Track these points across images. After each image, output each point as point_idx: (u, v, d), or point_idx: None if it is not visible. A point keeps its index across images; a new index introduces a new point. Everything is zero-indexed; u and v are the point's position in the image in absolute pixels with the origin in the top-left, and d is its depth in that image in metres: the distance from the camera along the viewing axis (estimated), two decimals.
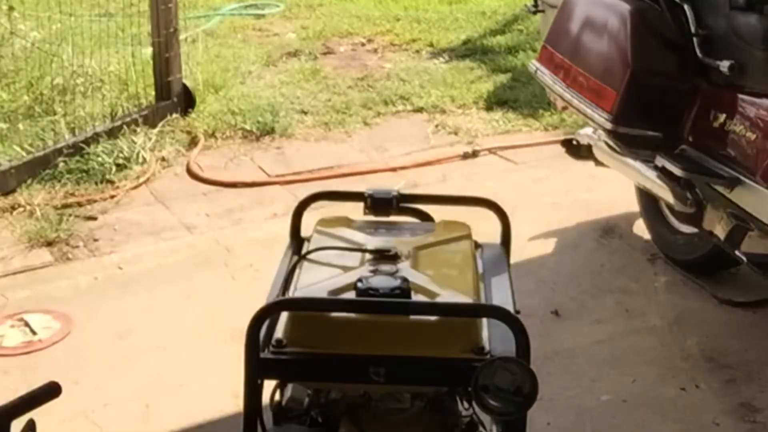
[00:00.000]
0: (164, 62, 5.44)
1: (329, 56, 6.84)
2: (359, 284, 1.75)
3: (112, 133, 5.12)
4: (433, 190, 4.76)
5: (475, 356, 1.71)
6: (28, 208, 4.50)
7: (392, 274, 1.81)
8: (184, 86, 5.58)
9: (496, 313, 1.73)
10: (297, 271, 1.92)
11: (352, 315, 1.74)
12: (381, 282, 1.76)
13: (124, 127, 5.17)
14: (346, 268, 1.87)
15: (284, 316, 1.77)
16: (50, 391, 1.60)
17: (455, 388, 1.77)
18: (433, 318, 1.74)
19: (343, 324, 1.74)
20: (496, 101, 5.89)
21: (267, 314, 1.72)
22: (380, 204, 1.98)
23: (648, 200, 4.11)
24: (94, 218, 4.47)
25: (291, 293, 1.84)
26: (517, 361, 1.67)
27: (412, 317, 1.74)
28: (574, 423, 3.09)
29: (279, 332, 1.75)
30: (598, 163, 4.00)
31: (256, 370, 1.73)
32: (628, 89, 3.44)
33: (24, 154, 4.81)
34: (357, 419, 1.82)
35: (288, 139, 5.43)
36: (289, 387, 1.88)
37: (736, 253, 3.36)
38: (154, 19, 5.39)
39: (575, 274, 3.99)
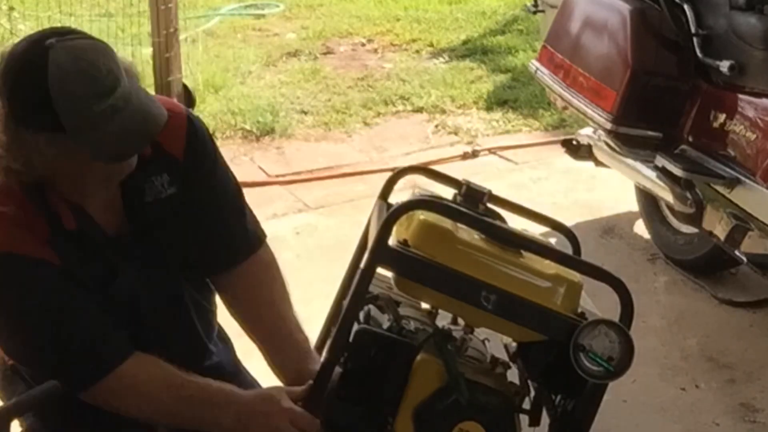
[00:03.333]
0: (164, 62, 5.44)
1: (329, 56, 6.84)
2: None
3: None
4: (432, 189, 4.76)
5: (575, 317, 1.84)
6: None
7: None
8: (184, 86, 5.57)
9: (614, 280, 1.86)
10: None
11: (477, 240, 1.87)
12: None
13: None
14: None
15: (414, 223, 1.86)
16: (50, 391, 1.60)
17: (553, 338, 1.83)
18: (550, 270, 1.87)
19: (468, 245, 1.86)
20: (496, 101, 5.89)
21: (406, 210, 1.84)
22: (472, 195, 2.01)
23: (648, 200, 4.11)
24: None
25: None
26: (621, 328, 1.81)
27: (531, 263, 1.87)
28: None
29: (406, 235, 1.84)
30: (598, 163, 4.00)
31: (380, 255, 1.81)
32: (628, 89, 3.44)
33: None
34: (437, 350, 1.88)
35: (288, 139, 5.43)
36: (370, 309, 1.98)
37: (736, 253, 3.37)
38: (154, 19, 5.39)
39: None
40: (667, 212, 4.01)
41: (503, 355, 2.05)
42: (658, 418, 3.13)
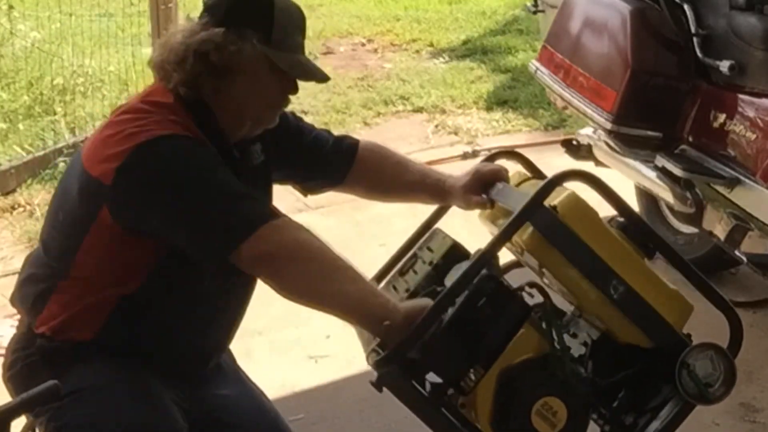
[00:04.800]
0: None
1: (329, 56, 6.84)
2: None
3: None
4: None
5: (685, 335, 1.89)
6: (28, 208, 4.51)
7: None
8: None
9: (725, 305, 1.95)
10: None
11: (615, 232, 1.92)
12: None
13: None
14: None
15: (563, 194, 1.90)
16: (50, 392, 1.60)
17: (661, 346, 1.87)
18: (671, 286, 1.93)
19: (611, 233, 1.91)
20: (496, 101, 5.89)
21: (573, 177, 1.91)
22: None
23: (648, 200, 4.11)
24: None
25: None
26: (729, 358, 1.85)
27: (656, 272, 1.93)
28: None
29: (555, 202, 1.88)
30: (598, 163, 4.00)
31: (533, 212, 1.84)
32: (628, 89, 3.44)
33: (24, 154, 4.82)
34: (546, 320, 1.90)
35: None
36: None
37: (736, 253, 3.36)
38: (154, 19, 5.39)
39: None
40: (667, 212, 4.01)
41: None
42: None
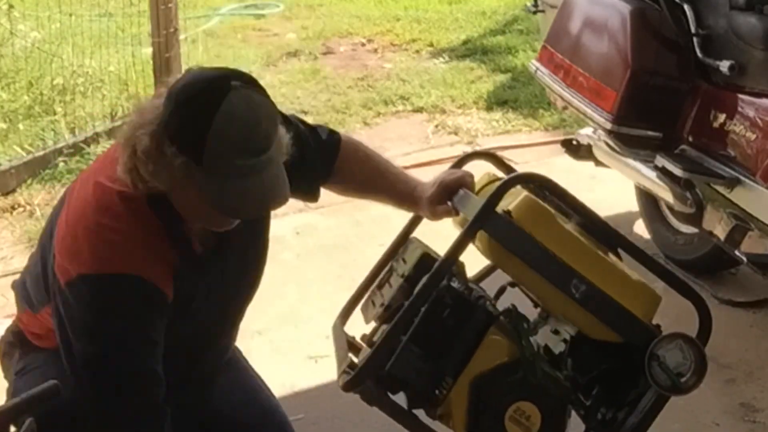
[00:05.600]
0: (164, 62, 5.43)
1: (329, 56, 6.84)
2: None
3: (112, 133, 5.11)
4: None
5: (653, 326, 1.88)
6: (28, 208, 4.51)
7: None
8: None
9: (696, 298, 1.94)
10: None
11: (574, 230, 1.91)
12: None
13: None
14: None
15: (518, 197, 1.90)
16: (50, 392, 1.60)
17: (629, 340, 1.86)
18: (635, 277, 1.91)
19: (567, 232, 1.90)
20: (496, 101, 5.89)
21: (522, 180, 1.95)
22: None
23: (648, 200, 4.11)
24: None
25: None
26: (699, 347, 1.86)
27: (619, 265, 1.92)
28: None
29: (509, 207, 1.88)
30: (598, 163, 4.00)
31: (485, 219, 1.85)
32: (628, 89, 3.44)
33: (24, 154, 4.81)
34: (512, 326, 1.90)
35: None
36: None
37: (736, 253, 3.36)
38: (154, 19, 5.39)
39: None
40: (667, 212, 4.00)
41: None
42: (658, 418, 3.12)
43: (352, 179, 2.22)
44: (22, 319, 2.14)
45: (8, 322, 3.60)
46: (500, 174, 2.22)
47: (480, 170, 2.24)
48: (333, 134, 2.21)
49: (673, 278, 1.93)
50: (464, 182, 2.12)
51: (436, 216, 2.16)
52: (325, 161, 2.17)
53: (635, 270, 1.97)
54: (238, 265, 2.02)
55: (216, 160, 1.75)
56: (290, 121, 2.08)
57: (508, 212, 1.86)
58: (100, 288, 1.82)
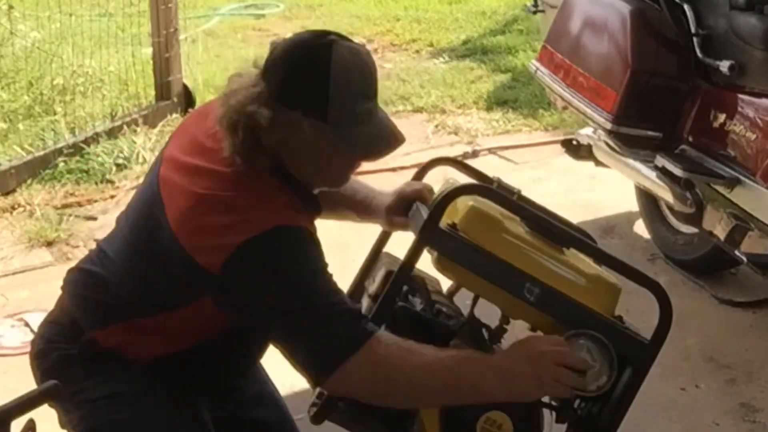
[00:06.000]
0: (164, 62, 5.44)
1: None
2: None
3: (112, 133, 5.12)
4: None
5: (614, 319, 1.87)
6: (28, 208, 4.50)
7: None
8: (184, 86, 5.58)
9: (653, 284, 1.89)
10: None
11: (523, 233, 1.89)
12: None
13: (124, 127, 5.17)
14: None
15: (464, 208, 1.88)
16: (50, 391, 1.60)
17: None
18: (591, 271, 1.90)
19: (517, 236, 1.89)
20: (496, 101, 5.89)
21: (462, 193, 1.89)
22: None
23: (648, 200, 4.11)
24: (94, 218, 4.47)
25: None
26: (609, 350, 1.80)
27: (573, 261, 1.90)
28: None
29: (455, 219, 1.86)
30: (598, 163, 4.00)
31: (430, 235, 1.83)
32: (628, 89, 3.44)
33: (24, 154, 4.81)
34: (471, 337, 1.90)
35: None
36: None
37: (736, 253, 3.36)
38: (154, 19, 5.39)
39: None
40: (667, 212, 4.00)
41: None
42: (658, 418, 3.13)
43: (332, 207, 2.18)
44: (110, 331, 1.93)
45: (9, 321, 3.63)
46: (464, 180, 2.20)
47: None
48: None
49: (627, 268, 1.91)
50: (421, 195, 2.10)
51: (392, 227, 2.15)
52: None
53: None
54: None
55: (341, 112, 1.80)
56: None
57: (453, 225, 1.85)
58: (270, 244, 1.78)
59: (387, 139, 1.89)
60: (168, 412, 1.92)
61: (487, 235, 1.85)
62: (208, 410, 1.99)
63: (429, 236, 1.83)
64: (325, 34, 1.85)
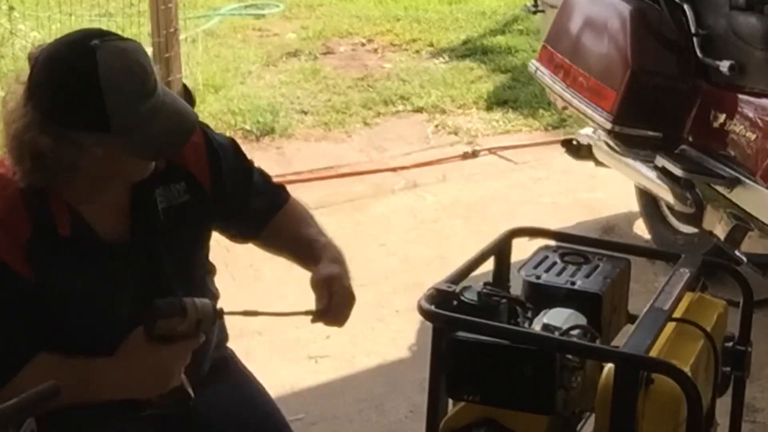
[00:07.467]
0: (164, 62, 5.43)
1: (329, 56, 6.84)
2: None
3: None
4: (433, 189, 4.76)
5: None
6: None
7: None
8: (184, 86, 5.56)
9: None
10: None
11: None
12: None
13: None
14: None
15: None
16: (50, 392, 1.59)
17: None
18: None
19: None
20: (496, 101, 5.89)
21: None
22: None
23: (648, 200, 4.11)
24: None
25: None
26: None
27: None
28: None
29: None
30: (598, 163, 4.00)
31: None
32: (627, 89, 3.44)
33: None
34: None
35: (288, 139, 5.43)
36: None
37: (736, 253, 3.36)
38: (154, 19, 5.39)
39: None
40: (667, 212, 4.00)
41: None
42: None
43: (274, 240, 2.17)
44: None
45: None
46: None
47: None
48: (280, 195, 2.18)
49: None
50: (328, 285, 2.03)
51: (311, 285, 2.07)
52: (263, 218, 2.14)
53: None
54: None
55: (124, 117, 1.73)
56: (251, 167, 2.12)
57: None
58: None
59: (178, 128, 1.81)
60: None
61: None
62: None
63: None
64: (84, 38, 1.75)
